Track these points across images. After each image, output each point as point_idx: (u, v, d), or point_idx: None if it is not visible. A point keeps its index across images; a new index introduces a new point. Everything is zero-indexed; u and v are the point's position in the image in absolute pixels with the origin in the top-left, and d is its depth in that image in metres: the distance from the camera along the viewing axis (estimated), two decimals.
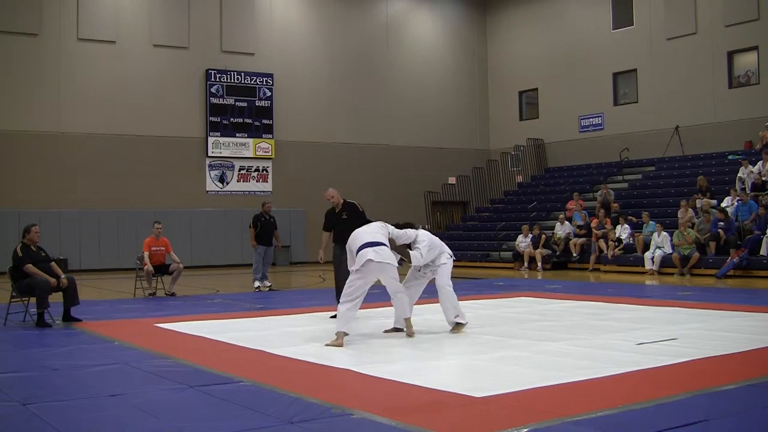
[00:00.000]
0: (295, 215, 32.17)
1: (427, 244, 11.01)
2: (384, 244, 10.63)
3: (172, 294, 17.84)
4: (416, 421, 6.03)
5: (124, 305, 15.97)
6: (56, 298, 12.90)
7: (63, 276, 12.77)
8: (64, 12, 28.98)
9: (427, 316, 12.43)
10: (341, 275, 12.68)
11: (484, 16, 38.41)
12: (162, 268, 18.11)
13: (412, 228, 11.19)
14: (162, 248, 18.19)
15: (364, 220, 12.73)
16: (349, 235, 12.47)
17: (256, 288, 19.29)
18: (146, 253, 17.82)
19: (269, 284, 19.59)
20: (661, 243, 23.19)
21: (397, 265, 10.71)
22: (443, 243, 11.49)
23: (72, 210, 28.51)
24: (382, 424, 5.99)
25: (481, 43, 38.29)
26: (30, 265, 12.60)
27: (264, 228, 19.51)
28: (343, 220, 13.08)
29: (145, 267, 17.67)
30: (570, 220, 27.25)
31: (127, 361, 9.01)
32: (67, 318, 12.74)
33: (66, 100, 28.91)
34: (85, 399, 7.09)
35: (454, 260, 11.57)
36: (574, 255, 26.08)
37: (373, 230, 10.83)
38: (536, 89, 36.33)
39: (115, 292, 19.69)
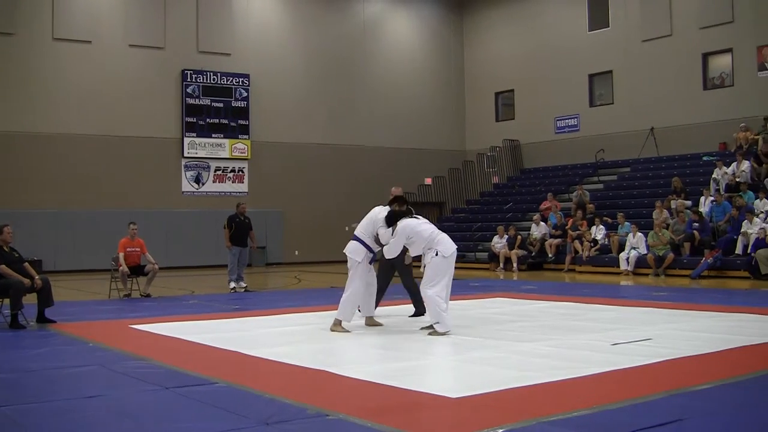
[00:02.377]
0: (271, 216, 32.12)
1: (401, 233, 10.81)
2: (357, 239, 11.24)
3: (148, 295, 17.77)
4: (392, 422, 6.03)
5: (99, 306, 15.90)
6: (30, 300, 12.81)
7: (37, 277, 12.69)
8: (39, 11, 28.80)
9: (402, 316, 12.46)
10: (384, 275, 12.81)
11: (461, 17, 38.47)
12: (137, 269, 18.03)
13: (397, 210, 11.09)
14: (137, 249, 18.12)
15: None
16: None
17: (232, 289, 19.24)
18: (121, 254, 17.74)
19: (245, 285, 19.56)
20: (636, 244, 23.31)
21: (359, 260, 11.08)
22: (438, 235, 10.91)
23: (46, 211, 28.34)
24: (358, 425, 5.99)
25: (457, 44, 38.36)
26: (3, 266, 12.49)
27: (239, 229, 19.48)
28: None
29: (120, 268, 17.59)
30: (546, 220, 27.36)
31: (102, 362, 8.97)
32: (42, 319, 12.64)
33: (41, 100, 28.73)
34: (60, 401, 7.05)
35: (448, 256, 10.83)
36: (549, 255, 26.17)
37: (364, 223, 11.37)
38: (512, 90, 36.42)
39: (90, 293, 19.59)
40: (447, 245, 10.87)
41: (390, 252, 10.96)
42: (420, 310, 12.51)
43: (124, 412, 6.57)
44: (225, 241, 19.70)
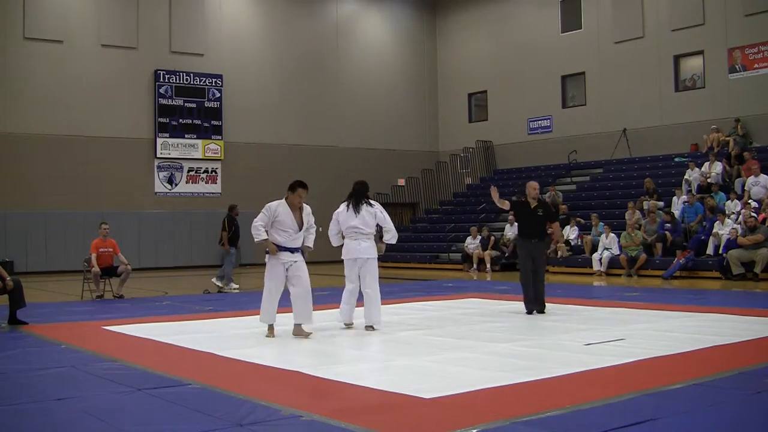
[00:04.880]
0: (244, 217, 31.86)
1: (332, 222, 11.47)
2: None
3: (120, 296, 17.68)
4: (365, 422, 6.03)
5: (72, 308, 15.80)
6: (2, 301, 12.73)
7: (8, 278, 12.59)
8: (10, 10, 28.59)
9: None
10: (526, 269, 13.11)
11: (434, 18, 38.53)
12: (110, 270, 17.93)
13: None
14: (109, 249, 18.01)
15: (554, 219, 13.35)
16: (538, 231, 13.03)
17: (236, 289, 19.73)
18: (93, 255, 17.64)
19: (226, 286, 19.76)
20: (608, 244, 23.41)
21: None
22: (348, 236, 11.44)
23: (18, 212, 28.13)
24: (332, 425, 5.98)
25: (430, 44, 38.41)
26: None
27: (235, 230, 19.93)
28: (539, 216, 13.22)
29: (93, 269, 17.50)
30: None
31: (74, 364, 8.91)
32: (13, 321, 12.54)
33: (12, 99, 28.53)
34: (31, 403, 6.99)
35: (345, 258, 11.49)
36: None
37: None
38: (485, 91, 36.51)
39: (62, 294, 19.48)
40: (345, 249, 11.43)
41: (332, 240, 11.48)
42: (542, 308, 13.08)
43: (96, 414, 6.52)
44: (224, 242, 19.98)
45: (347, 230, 11.30)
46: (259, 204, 32.94)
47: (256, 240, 10.62)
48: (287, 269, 10.69)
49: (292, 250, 10.70)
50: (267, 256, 10.80)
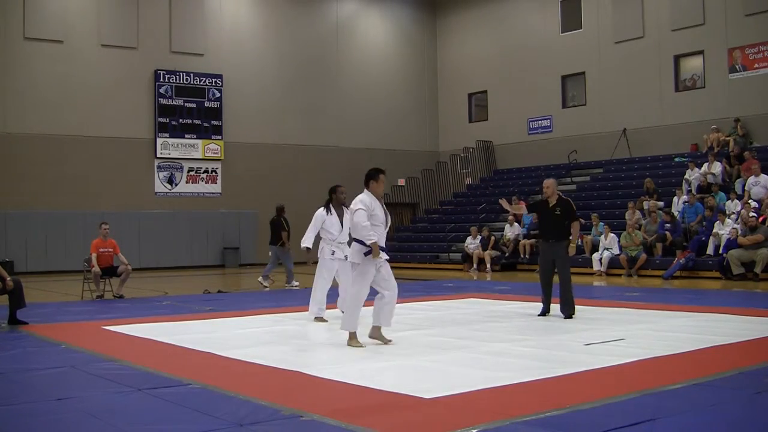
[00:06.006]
0: (244, 217, 32.03)
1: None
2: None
3: (121, 296, 17.66)
4: (366, 422, 6.03)
5: (72, 308, 15.78)
6: (2, 301, 12.72)
7: (8, 278, 12.57)
8: (11, 10, 28.57)
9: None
10: (545, 270, 12.82)
11: (434, 18, 38.52)
12: (110, 270, 17.92)
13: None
14: (110, 249, 17.99)
15: (573, 219, 12.73)
16: (556, 231, 12.45)
17: (296, 286, 20.39)
18: (94, 255, 17.62)
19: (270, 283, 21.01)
20: (609, 244, 23.41)
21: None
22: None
23: (18, 211, 28.11)
24: (332, 426, 5.98)
25: (430, 45, 38.40)
26: None
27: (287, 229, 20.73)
28: (556, 216, 12.66)
29: (93, 269, 17.49)
30: (519, 221, 27.40)
31: (74, 364, 8.91)
32: (13, 321, 12.53)
33: (12, 99, 28.51)
34: (31, 403, 7.00)
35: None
36: (522, 256, 26.18)
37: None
38: (485, 91, 36.50)
39: (62, 294, 19.45)
40: None
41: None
42: (569, 312, 12.48)
43: (96, 414, 6.52)
44: (286, 242, 21.02)
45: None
46: (259, 203, 33.06)
47: (368, 243, 9.60)
48: (377, 270, 9.84)
49: (382, 248, 9.86)
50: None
